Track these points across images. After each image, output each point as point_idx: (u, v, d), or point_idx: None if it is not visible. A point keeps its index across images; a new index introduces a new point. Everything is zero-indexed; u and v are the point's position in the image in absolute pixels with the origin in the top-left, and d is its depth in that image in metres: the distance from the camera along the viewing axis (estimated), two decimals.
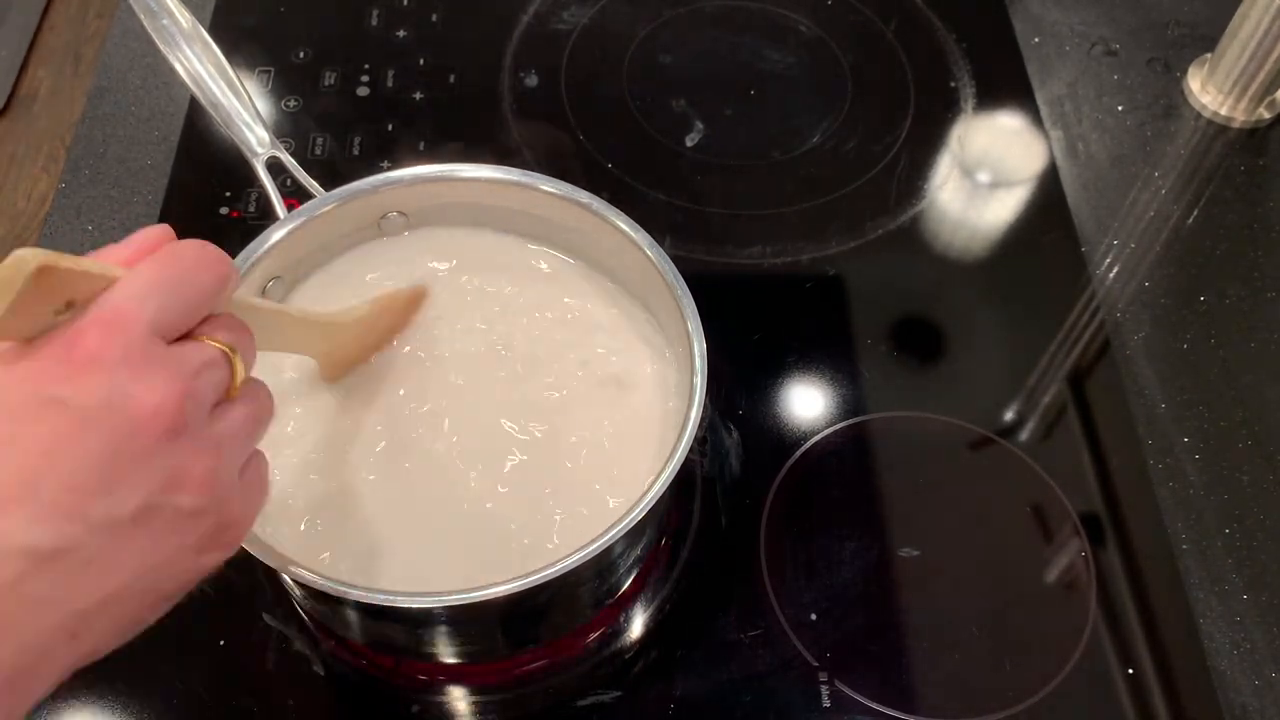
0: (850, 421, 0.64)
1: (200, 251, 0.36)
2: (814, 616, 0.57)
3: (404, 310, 0.56)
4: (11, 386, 0.32)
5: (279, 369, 0.53)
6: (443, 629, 0.53)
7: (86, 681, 0.54)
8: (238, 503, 0.36)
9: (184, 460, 0.33)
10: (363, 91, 0.77)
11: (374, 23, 0.81)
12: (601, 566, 0.52)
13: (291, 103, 0.76)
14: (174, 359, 0.34)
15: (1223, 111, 0.78)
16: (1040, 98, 0.79)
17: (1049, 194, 0.74)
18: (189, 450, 0.33)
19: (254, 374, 0.39)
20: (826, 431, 0.63)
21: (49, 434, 0.31)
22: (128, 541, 0.32)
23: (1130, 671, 0.56)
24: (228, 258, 0.37)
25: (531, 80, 0.79)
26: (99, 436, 0.31)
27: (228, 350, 0.36)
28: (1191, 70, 0.81)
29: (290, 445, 0.52)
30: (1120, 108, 0.79)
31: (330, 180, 0.56)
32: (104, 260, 0.35)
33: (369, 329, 0.54)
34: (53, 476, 0.31)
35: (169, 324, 0.34)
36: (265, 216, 0.56)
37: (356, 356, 0.54)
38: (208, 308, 0.36)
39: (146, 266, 0.34)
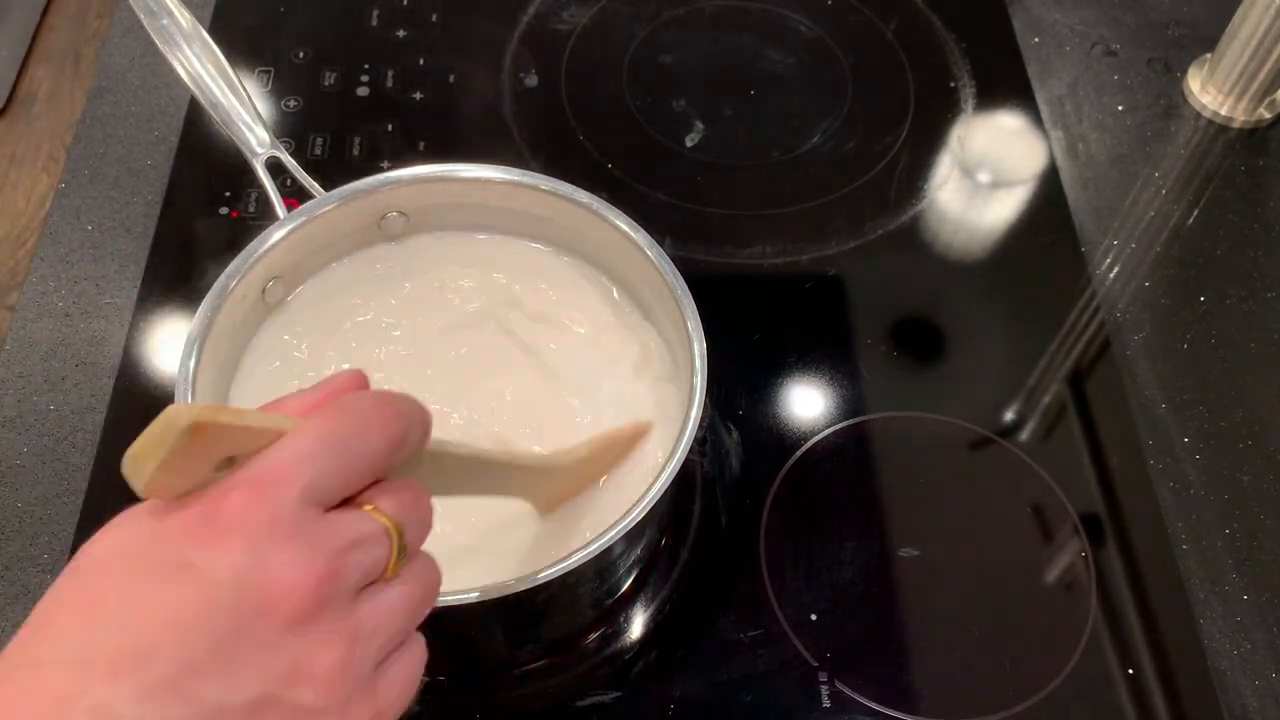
0: (850, 421, 0.64)
1: (376, 406, 0.33)
2: (814, 616, 0.57)
3: (625, 446, 0.53)
4: (150, 545, 0.29)
5: None
6: (443, 629, 0.53)
7: None
8: (370, 701, 0.31)
9: (311, 649, 0.29)
10: (363, 91, 0.77)
11: (374, 23, 0.81)
12: (601, 567, 0.52)
13: (291, 103, 0.76)
14: (322, 532, 0.30)
15: (1223, 111, 0.78)
16: (1040, 98, 0.79)
17: (1049, 194, 0.74)
18: (318, 639, 0.30)
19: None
20: (826, 431, 0.63)
21: (176, 602, 0.28)
22: None
23: (1130, 671, 0.56)
24: (414, 412, 0.34)
25: (531, 80, 0.79)
26: (225, 612, 0.28)
27: (390, 525, 0.32)
28: (1191, 70, 0.81)
29: None
30: (1120, 108, 0.79)
31: (330, 180, 0.56)
32: (284, 408, 0.33)
33: (587, 469, 0.51)
34: (170, 650, 0.28)
35: (326, 489, 0.31)
36: (265, 216, 0.56)
37: (574, 493, 0.52)
38: (377, 472, 0.33)
39: (313, 422, 0.31)
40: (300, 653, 0.29)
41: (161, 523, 0.30)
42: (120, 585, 0.29)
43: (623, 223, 0.55)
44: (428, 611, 0.34)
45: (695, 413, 0.48)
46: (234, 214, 0.69)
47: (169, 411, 0.28)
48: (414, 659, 0.34)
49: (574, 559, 0.44)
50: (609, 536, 0.45)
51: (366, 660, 0.31)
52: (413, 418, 0.34)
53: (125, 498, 0.30)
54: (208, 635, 0.28)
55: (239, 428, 0.30)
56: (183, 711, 0.28)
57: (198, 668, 0.28)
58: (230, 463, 0.30)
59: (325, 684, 0.30)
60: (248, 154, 0.56)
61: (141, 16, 0.56)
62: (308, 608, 0.29)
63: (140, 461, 0.28)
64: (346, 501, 0.32)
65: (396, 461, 0.33)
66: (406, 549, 0.33)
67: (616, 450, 0.53)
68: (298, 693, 0.29)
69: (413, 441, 0.33)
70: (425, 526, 0.34)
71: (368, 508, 0.32)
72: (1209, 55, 0.79)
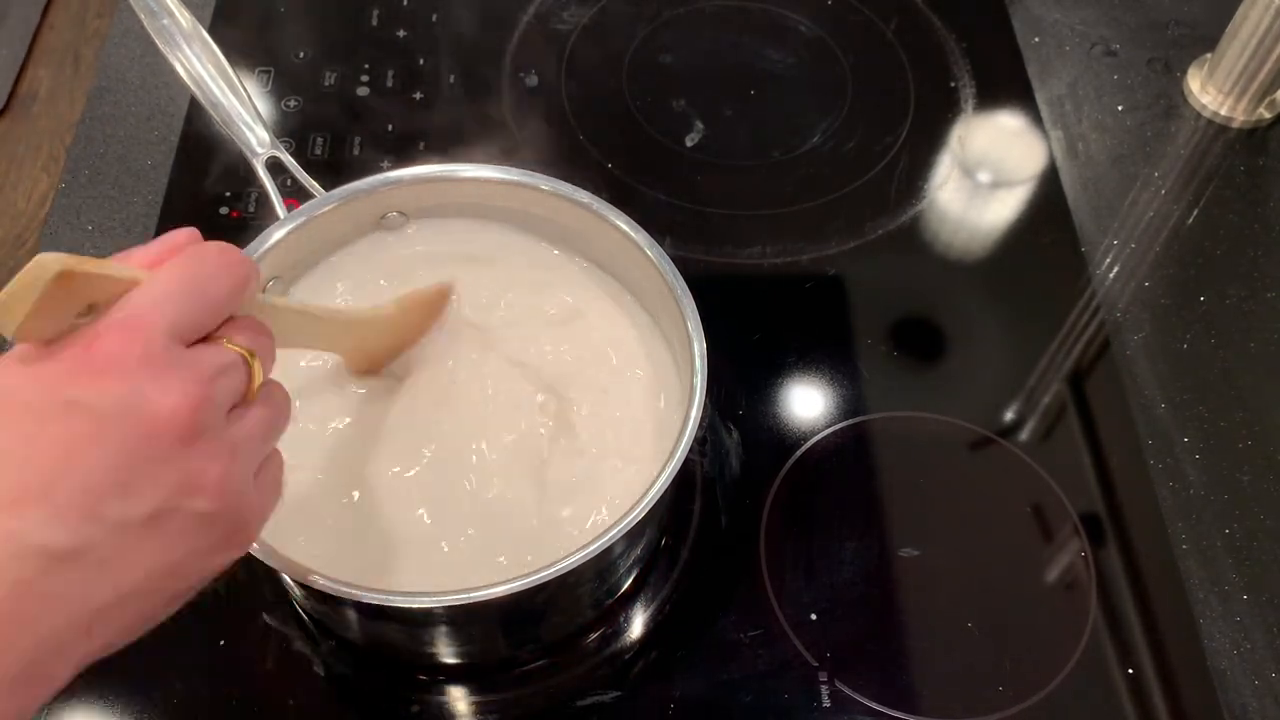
0: (850, 421, 0.64)
1: (221, 254, 0.36)
2: (814, 616, 0.57)
3: (430, 308, 0.56)
4: (31, 387, 0.32)
5: (295, 361, 0.54)
6: (443, 629, 0.53)
7: (87, 681, 0.53)
8: (251, 505, 0.37)
9: (199, 464, 0.34)
10: (363, 91, 0.77)
11: (374, 23, 0.81)
12: (601, 566, 0.52)
13: (291, 103, 0.76)
14: (191, 363, 0.34)
15: (1223, 111, 0.78)
16: (1040, 98, 0.79)
17: (1049, 194, 0.74)
18: (204, 454, 0.34)
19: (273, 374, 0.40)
20: (826, 431, 0.63)
21: (66, 435, 0.32)
22: (142, 542, 0.33)
23: (1130, 671, 0.56)
24: (250, 260, 0.37)
25: (531, 80, 0.79)
26: (115, 439, 0.32)
27: (246, 354, 0.37)
28: (1191, 70, 0.80)
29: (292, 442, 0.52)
30: (1120, 108, 0.79)
31: (330, 180, 0.56)
32: (127, 263, 0.35)
33: (395, 326, 0.54)
34: (69, 478, 0.31)
35: (188, 327, 0.35)
36: (265, 216, 0.56)
37: (383, 353, 0.55)
38: (228, 310, 0.37)
39: (167, 270, 0.35)
40: (190, 467, 0.33)
41: (38, 367, 0.33)
42: (10, 427, 0.32)
43: (623, 223, 0.55)
44: (284, 427, 0.39)
45: (695, 413, 0.48)
46: (234, 214, 0.69)
47: (37, 260, 0.31)
48: (276, 467, 0.40)
49: (574, 559, 0.44)
50: (609, 536, 0.45)
51: (245, 469, 0.36)
52: (251, 263, 0.37)
53: None
54: (102, 461, 0.32)
55: (101, 276, 0.33)
56: (90, 530, 0.31)
57: (98, 490, 0.31)
58: (89, 311, 0.33)
59: (215, 491, 0.34)
60: (248, 154, 0.56)
61: (141, 16, 0.56)
62: (190, 429, 0.33)
63: (10, 308, 0.31)
64: (203, 339, 0.36)
65: (240, 303, 0.37)
66: (261, 375, 0.37)
67: (421, 311, 0.55)
68: (193, 502, 0.34)
69: (254, 283, 0.38)
70: (272, 355, 0.39)
71: (224, 341, 0.36)
72: (1209, 55, 0.79)
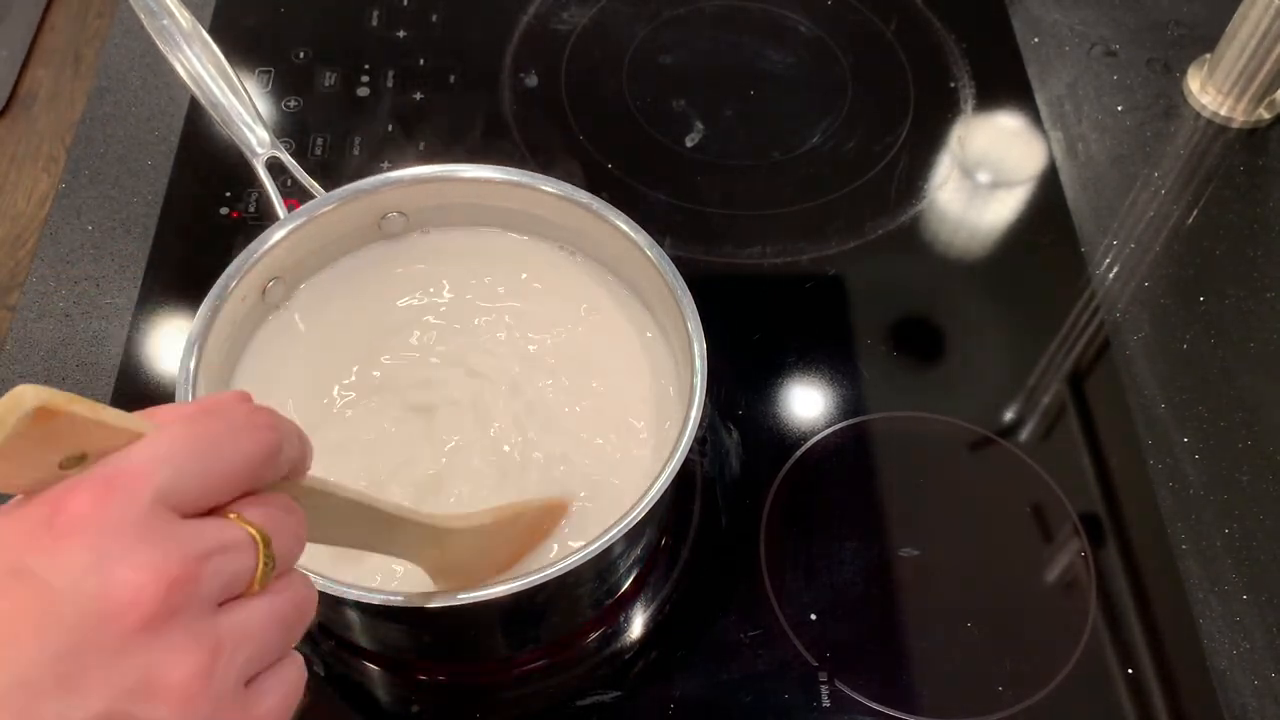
0: (850, 421, 0.64)
1: (251, 413, 0.30)
2: (814, 616, 0.57)
3: (538, 523, 0.50)
4: None
5: None
6: (443, 629, 0.53)
7: None
8: None
9: (165, 659, 0.26)
10: (363, 91, 0.77)
11: (374, 23, 0.81)
12: (601, 567, 0.52)
13: (291, 103, 0.76)
14: (179, 535, 0.28)
15: (1222, 111, 0.78)
16: (1040, 98, 0.79)
17: (1049, 194, 0.74)
18: (173, 647, 0.27)
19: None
20: (826, 431, 0.63)
21: (9, 613, 0.26)
22: None
23: (1130, 671, 0.56)
24: (287, 428, 0.31)
25: (531, 80, 0.79)
26: (65, 622, 0.26)
27: (257, 535, 0.29)
28: (1191, 70, 0.81)
29: None
30: (1120, 108, 0.79)
31: (330, 180, 0.56)
32: (157, 416, 0.30)
33: (491, 539, 0.46)
34: (5, 668, 0.25)
35: (186, 494, 0.28)
36: (265, 216, 0.56)
37: (475, 572, 0.47)
38: (246, 481, 0.30)
39: (177, 423, 0.29)
40: (151, 662, 0.26)
41: (1, 524, 0.27)
42: None
43: (623, 223, 0.55)
44: (303, 630, 0.32)
45: (695, 413, 0.48)
46: (234, 214, 0.69)
47: (16, 391, 0.25)
48: (289, 677, 0.31)
49: (574, 559, 0.44)
50: (609, 536, 0.45)
51: (230, 675, 0.28)
52: (288, 431, 0.31)
53: None
54: (46, 648, 0.25)
55: (92, 421, 0.27)
56: None
57: (35, 684, 0.25)
58: (80, 462, 0.27)
59: (181, 697, 0.27)
60: (248, 154, 0.56)
61: (141, 16, 0.56)
62: (158, 613, 0.26)
63: None
64: (209, 513, 0.29)
65: (269, 475, 0.31)
66: (275, 561, 0.30)
67: (524, 525, 0.48)
68: (150, 708, 0.26)
69: (288, 456, 0.31)
70: (298, 541, 0.31)
71: (232, 515, 0.30)
72: (1209, 55, 0.79)
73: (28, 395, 0.25)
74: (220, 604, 0.29)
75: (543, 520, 0.50)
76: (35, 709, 0.25)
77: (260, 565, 0.29)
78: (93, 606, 0.26)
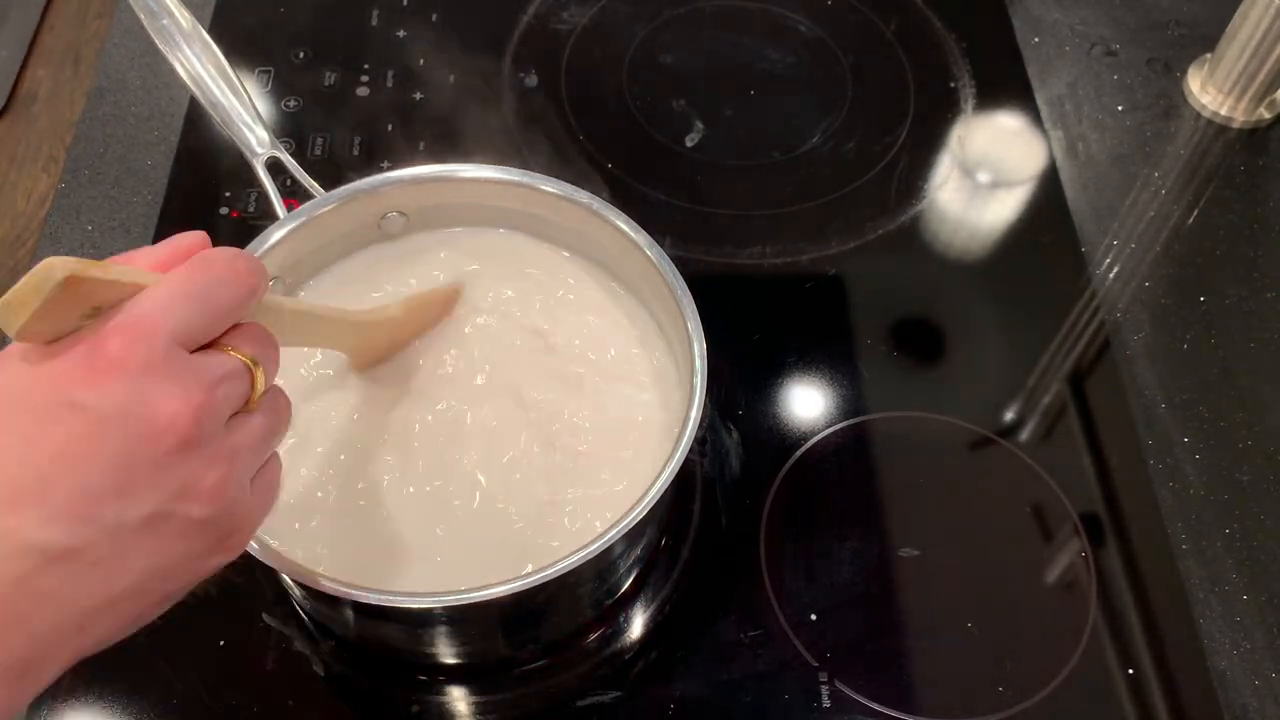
0: (850, 421, 0.64)
1: (231, 261, 0.36)
2: (814, 616, 0.57)
3: (438, 308, 0.57)
4: (33, 387, 0.33)
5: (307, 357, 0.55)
6: (443, 629, 0.53)
7: (86, 680, 0.54)
8: (246, 510, 0.37)
9: (196, 470, 0.34)
10: (363, 91, 0.77)
11: (374, 23, 0.81)
12: (601, 567, 0.52)
13: (291, 103, 0.76)
14: (194, 369, 0.34)
15: (1223, 111, 0.78)
16: (1040, 98, 0.79)
17: (1049, 194, 0.74)
18: (202, 461, 0.34)
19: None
20: (826, 431, 0.63)
21: (66, 436, 0.32)
22: (136, 545, 0.33)
23: (1130, 671, 0.56)
24: (259, 267, 0.37)
25: (531, 80, 0.79)
26: (114, 443, 0.32)
27: (249, 362, 0.37)
28: (1191, 70, 0.81)
29: (294, 441, 0.52)
30: (1120, 108, 0.79)
31: (330, 180, 0.56)
32: (135, 264, 0.36)
33: (401, 326, 0.54)
34: (67, 479, 0.32)
35: (192, 333, 0.35)
36: (265, 216, 0.56)
37: (388, 351, 0.55)
38: (234, 318, 0.37)
39: (174, 275, 0.35)
40: (187, 473, 0.34)
41: (40, 366, 0.33)
42: (10, 426, 0.32)
43: (623, 223, 0.55)
44: (284, 433, 0.40)
45: (695, 413, 0.48)
46: (234, 214, 0.69)
47: (45, 263, 0.31)
48: (273, 472, 0.40)
49: (574, 559, 0.44)
50: (609, 536, 0.45)
51: (242, 476, 0.36)
52: (259, 271, 0.37)
53: None
54: (101, 464, 0.32)
55: (107, 281, 0.33)
56: (85, 531, 0.32)
57: (95, 492, 0.32)
58: (94, 313, 0.33)
59: (210, 498, 0.34)
60: (248, 154, 0.56)
61: (141, 16, 0.56)
62: (190, 436, 0.33)
63: (15, 309, 0.31)
64: (209, 345, 0.36)
65: (247, 310, 0.37)
66: (263, 383, 0.37)
67: (428, 310, 0.56)
68: (189, 507, 0.34)
69: (261, 291, 0.37)
70: (275, 363, 0.39)
71: (229, 349, 0.36)
72: (1209, 55, 0.79)
73: (56, 266, 0.31)
74: (228, 420, 0.36)
75: (441, 304, 0.57)
76: (98, 510, 0.32)
77: (257, 386, 0.37)
78: (138, 431, 0.32)
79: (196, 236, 0.37)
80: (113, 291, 0.33)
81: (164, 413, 0.33)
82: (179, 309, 0.34)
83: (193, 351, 0.35)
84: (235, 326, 0.37)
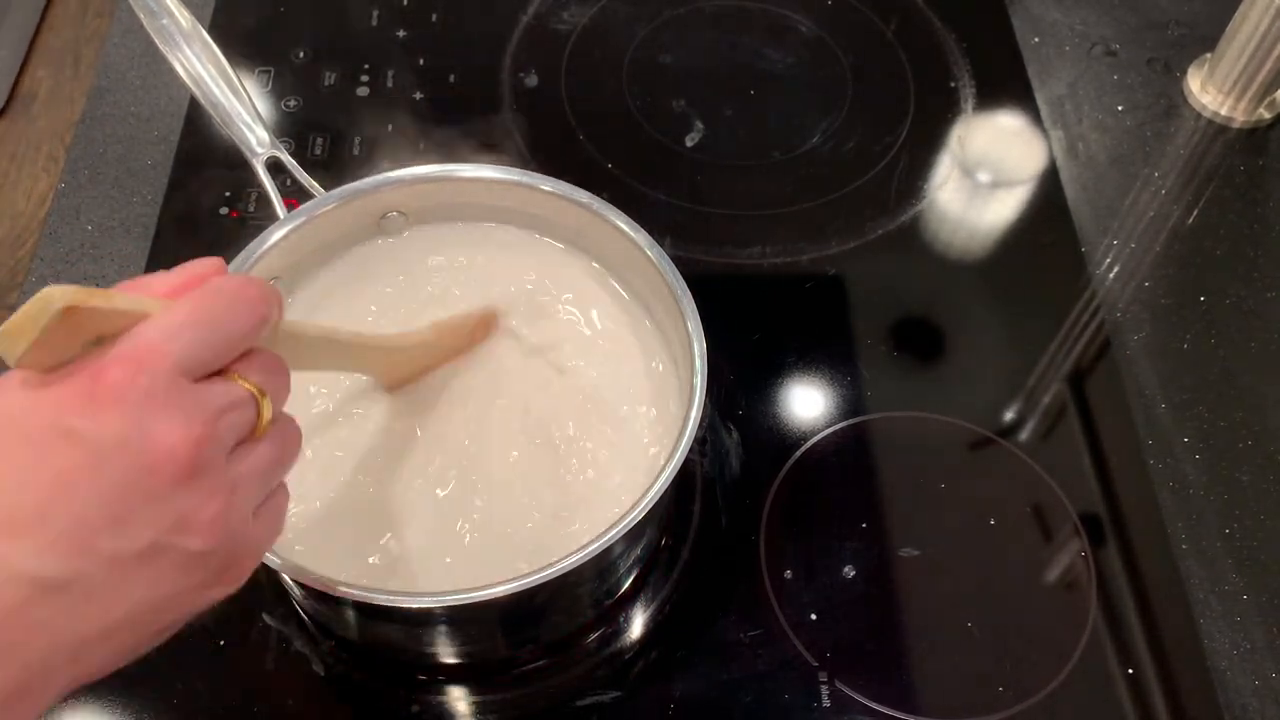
0: (850, 421, 0.64)
1: (241, 289, 0.36)
2: (814, 616, 0.57)
3: (472, 332, 0.55)
4: (32, 414, 0.32)
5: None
6: (443, 629, 0.53)
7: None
8: (247, 543, 0.36)
9: (196, 503, 0.33)
10: (363, 91, 0.77)
11: (374, 23, 0.81)
12: (601, 566, 0.52)
13: (291, 103, 0.76)
14: (197, 399, 0.33)
15: (1223, 111, 0.78)
16: (1040, 98, 0.79)
17: (1049, 194, 0.74)
18: (202, 492, 0.33)
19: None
20: (826, 431, 0.63)
21: (64, 465, 0.31)
22: (132, 577, 0.32)
23: (1130, 671, 0.56)
24: (272, 295, 0.36)
25: (531, 80, 0.79)
26: (112, 473, 0.31)
27: (256, 391, 0.36)
28: (1191, 70, 0.81)
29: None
30: (1120, 108, 0.79)
31: (330, 180, 0.56)
32: (147, 290, 0.35)
33: (431, 350, 0.53)
34: (64, 508, 0.31)
35: (198, 363, 0.34)
36: (265, 216, 0.56)
37: (417, 375, 0.54)
38: (243, 347, 0.36)
39: (182, 303, 0.34)
40: (186, 506, 0.33)
41: (39, 394, 0.32)
42: (7, 453, 0.32)
43: (623, 223, 0.55)
44: (291, 464, 0.38)
45: (695, 413, 0.48)
46: (234, 214, 0.69)
47: (44, 293, 0.30)
48: (279, 504, 0.38)
49: (574, 559, 0.44)
50: (609, 536, 0.45)
51: (244, 509, 0.35)
52: (272, 299, 0.36)
53: None
54: (98, 494, 0.31)
55: (109, 310, 0.32)
56: (81, 562, 0.31)
57: (91, 523, 0.31)
58: (97, 341, 0.32)
59: (209, 531, 0.33)
60: (248, 154, 0.56)
61: (141, 16, 0.56)
62: (189, 467, 0.32)
63: (13, 338, 0.31)
64: (216, 372, 0.35)
65: (257, 340, 0.36)
66: (270, 413, 0.36)
67: (460, 335, 0.54)
68: (186, 540, 0.33)
69: (273, 319, 0.36)
70: (285, 391, 0.38)
71: (235, 377, 0.35)
72: (1209, 55, 0.79)
73: (55, 296, 0.30)
74: (231, 451, 0.35)
75: (476, 330, 0.55)
76: (93, 542, 0.31)
77: (263, 415, 0.36)
78: (136, 462, 0.32)
79: (211, 263, 0.37)
80: (116, 321, 0.33)
81: (163, 443, 0.32)
82: (184, 338, 0.33)
83: (199, 379, 0.34)
84: (245, 353, 0.36)
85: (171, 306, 0.34)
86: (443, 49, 0.80)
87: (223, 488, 0.34)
